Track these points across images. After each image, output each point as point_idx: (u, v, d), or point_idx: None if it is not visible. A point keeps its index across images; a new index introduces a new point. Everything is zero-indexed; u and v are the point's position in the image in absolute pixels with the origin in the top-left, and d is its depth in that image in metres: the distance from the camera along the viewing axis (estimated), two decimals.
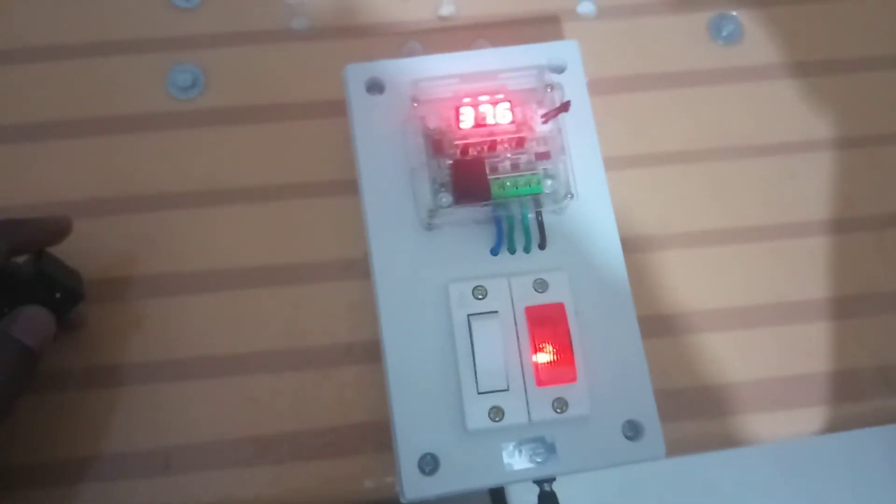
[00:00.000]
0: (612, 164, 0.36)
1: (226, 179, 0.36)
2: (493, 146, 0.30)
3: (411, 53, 0.38)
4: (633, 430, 0.29)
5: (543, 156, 0.30)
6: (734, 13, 0.39)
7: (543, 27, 0.39)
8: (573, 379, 0.28)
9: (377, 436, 0.33)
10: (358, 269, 0.34)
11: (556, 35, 0.39)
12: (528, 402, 0.28)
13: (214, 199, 0.36)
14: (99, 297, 0.34)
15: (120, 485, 0.32)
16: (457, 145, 0.30)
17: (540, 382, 0.29)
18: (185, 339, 0.34)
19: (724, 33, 0.39)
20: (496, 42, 0.38)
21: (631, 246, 0.35)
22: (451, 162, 0.29)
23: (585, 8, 0.39)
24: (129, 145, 0.36)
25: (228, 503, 0.32)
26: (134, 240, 0.35)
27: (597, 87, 0.37)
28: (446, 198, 0.29)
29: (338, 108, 0.35)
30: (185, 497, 0.32)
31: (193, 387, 0.33)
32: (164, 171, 0.36)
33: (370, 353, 0.34)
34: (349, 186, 0.33)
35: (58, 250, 0.32)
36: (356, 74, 0.32)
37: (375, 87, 0.32)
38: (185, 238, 0.35)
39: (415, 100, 0.30)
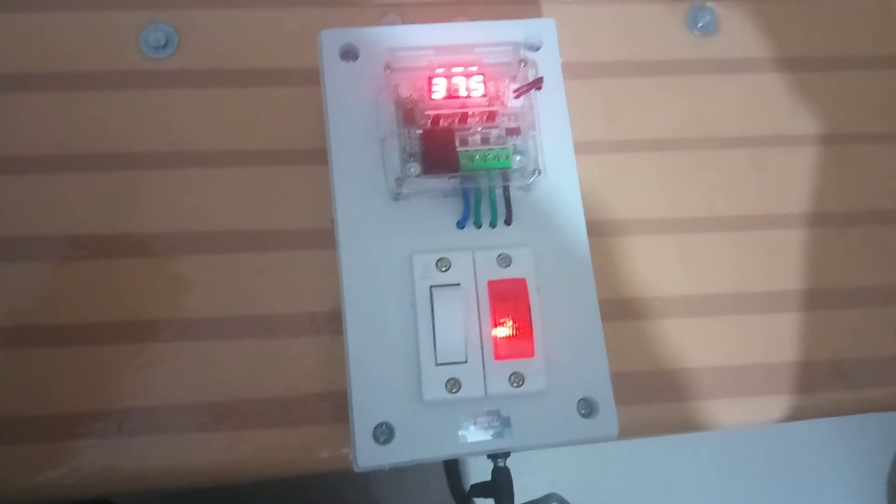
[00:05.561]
0: (585, 147, 0.36)
1: (195, 142, 0.35)
2: (464, 118, 0.30)
3: (390, 25, 0.37)
4: (587, 408, 0.29)
5: (514, 131, 0.30)
6: (711, 5, 0.40)
7: (524, 8, 0.39)
8: (531, 354, 0.29)
9: (335, 407, 0.33)
10: (325, 239, 0.34)
11: (536, 16, 0.39)
12: (485, 375, 0.28)
13: (182, 160, 0.35)
14: (60, 254, 0.33)
15: (69, 445, 0.31)
16: (428, 115, 0.29)
17: (498, 356, 0.29)
18: (147, 300, 0.33)
19: (700, 24, 0.39)
20: (475, 20, 0.38)
21: (598, 229, 0.36)
22: (420, 132, 0.29)
23: None
24: (99, 102, 0.35)
25: (182, 468, 0.32)
26: (99, 198, 0.34)
27: (573, 70, 0.37)
28: (415, 167, 0.29)
29: (311, 77, 0.34)
30: (136, 460, 0.31)
31: (151, 349, 0.33)
32: (133, 130, 0.35)
33: (332, 324, 0.34)
34: (319, 156, 0.33)
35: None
36: (331, 40, 0.31)
37: (350, 53, 0.31)
38: (151, 199, 0.34)
39: (388, 67, 0.30)
